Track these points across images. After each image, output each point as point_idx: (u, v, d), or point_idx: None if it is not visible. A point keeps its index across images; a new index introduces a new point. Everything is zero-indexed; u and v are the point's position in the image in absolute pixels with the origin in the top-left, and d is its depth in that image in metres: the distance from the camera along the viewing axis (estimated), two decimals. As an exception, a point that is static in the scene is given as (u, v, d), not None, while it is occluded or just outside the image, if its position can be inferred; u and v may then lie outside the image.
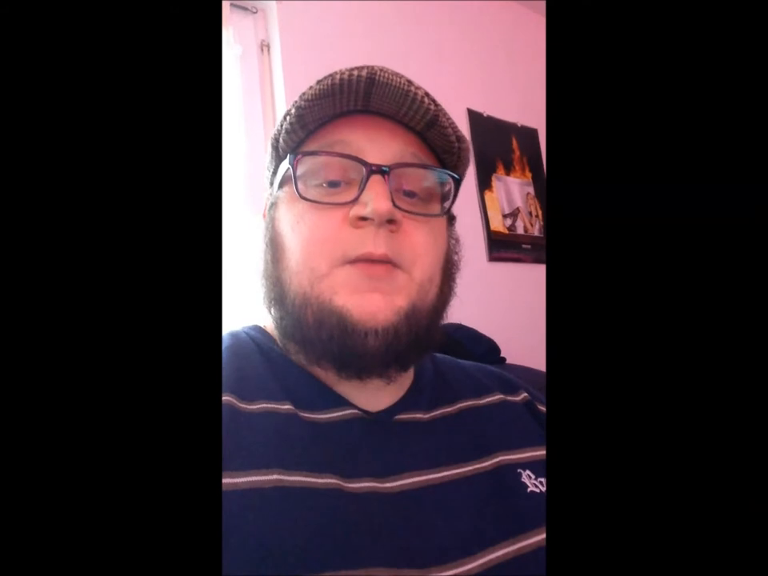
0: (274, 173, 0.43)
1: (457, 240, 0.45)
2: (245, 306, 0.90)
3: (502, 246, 1.43)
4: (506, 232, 1.46)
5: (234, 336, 0.43)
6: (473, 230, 1.39)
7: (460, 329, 1.09)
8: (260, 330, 0.45)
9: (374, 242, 0.36)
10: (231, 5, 1.10)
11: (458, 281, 0.44)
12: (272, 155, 0.43)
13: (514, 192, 1.51)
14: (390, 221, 0.37)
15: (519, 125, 1.60)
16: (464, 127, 1.45)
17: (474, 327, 1.12)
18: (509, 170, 1.53)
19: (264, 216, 0.45)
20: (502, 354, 1.13)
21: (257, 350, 0.42)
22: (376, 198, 0.36)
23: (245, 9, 1.15)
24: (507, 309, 1.30)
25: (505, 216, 1.47)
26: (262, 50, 1.15)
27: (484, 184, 1.45)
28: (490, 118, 1.52)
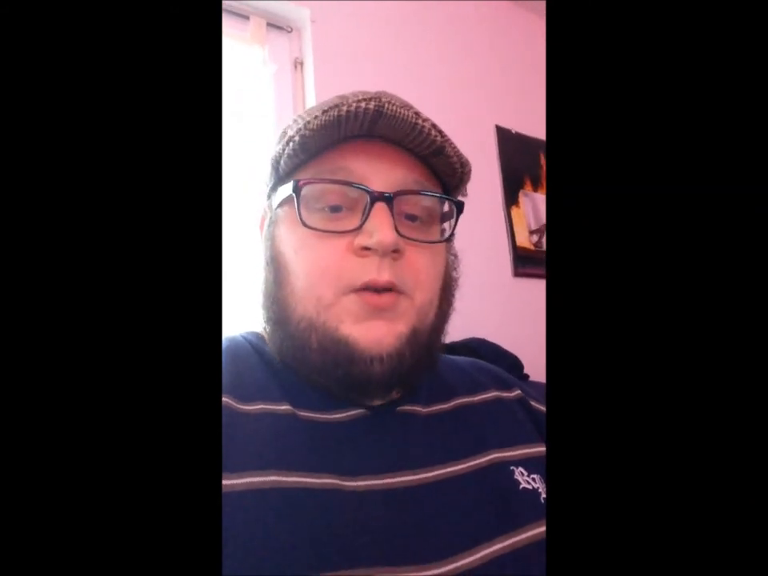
0: (273, 189, 0.43)
1: (455, 256, 0.45)
2: (241, 312, 0.91)
3: (527, 262, 1.43)
4: (532, 248, 1.45)
5: (232, 340, 0.44)
6: (498, 245, 1.39)
7: (482, 344, 1.09)
8: (257, 336, 0.45)
9: (378, 270, 0.37)
10: (268, 24, 1.14)
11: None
12: (271, 174, 0.43)
13: (541, 208, 1.51)
14: (395, 251, 0.37)
15: (547, 141, 1.59)
16: (492, 144, 1.46)
17: (497, 343, 1.12)
18: (536, 187, 1.52)
19: (261, 228, 0.45)
20: (525, 371, 1.12)
21: (254, 353, 0.42)
22: (380, 228, 0.36)
23: (280, 28, 1.19)
24: (531, 325, 1.29)
25: (531, 232, 1.47)
26: (296, 66, 1.19)
27: (511, 200, 1.45)
28: (518, 135, 1.52)
